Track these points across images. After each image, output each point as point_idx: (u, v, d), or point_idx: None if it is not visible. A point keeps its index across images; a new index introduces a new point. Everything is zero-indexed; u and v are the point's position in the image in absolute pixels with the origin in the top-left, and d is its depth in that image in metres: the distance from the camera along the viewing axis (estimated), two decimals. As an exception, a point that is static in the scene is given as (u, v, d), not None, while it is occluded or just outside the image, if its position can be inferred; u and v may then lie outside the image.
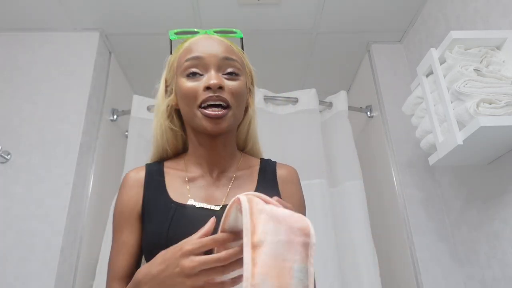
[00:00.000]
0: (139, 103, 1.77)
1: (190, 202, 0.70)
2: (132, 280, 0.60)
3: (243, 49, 0.82)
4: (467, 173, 1.39)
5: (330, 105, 1.78)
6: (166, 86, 0.79)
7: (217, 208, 0.69)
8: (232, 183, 0.74)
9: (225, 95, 0.69)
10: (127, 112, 1.81)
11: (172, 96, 0.76)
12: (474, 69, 1.10)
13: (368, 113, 1.90)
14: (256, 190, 0.73)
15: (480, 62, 1.14)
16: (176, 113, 0.78)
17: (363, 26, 1.81)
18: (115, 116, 1.88)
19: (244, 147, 0.84)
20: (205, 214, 0.66)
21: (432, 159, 1.24)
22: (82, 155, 1.58)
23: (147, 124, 1.75)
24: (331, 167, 1.66)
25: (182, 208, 0.69)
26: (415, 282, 1.46)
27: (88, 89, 1.66)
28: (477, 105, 1.03)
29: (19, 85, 1.65)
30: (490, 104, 1.04)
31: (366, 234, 1.48)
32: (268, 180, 0.77)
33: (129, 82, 2.16)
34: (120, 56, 1.97)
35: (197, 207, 0.69)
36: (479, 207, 1.32)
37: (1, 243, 1.38)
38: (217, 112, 0.68)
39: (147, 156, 1.68)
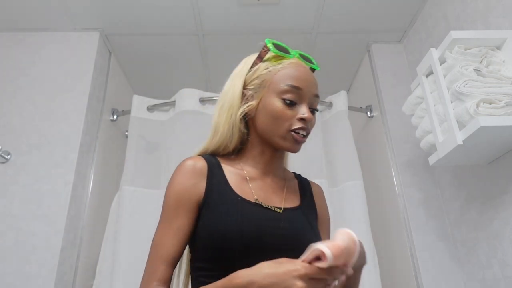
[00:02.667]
0: (139, 103, 1.77)
1: (256, 200, 0.75)
2: (227, 279, 0.60)
3: None
4: (467, 173, 1.39)
5: (330, 105, 1.78)
6: (245, 88, 0.82)
7: (280, 210, 0.76)
8: (285, 190, 0.83)
9: (310, 126, 0.80)
10: (127, 112, 1.81)
11: (254, 104, 0.80)
12: (474, 69, 1.10)
13: (368, 113, 1.90)
14: (301, 201, 0.83)
15: (480, 62, 1.14)
16: (246, 117, 0.83)
17: (363, 26, 1.81)
18: (115, 116, 1.88)
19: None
20: (271, 214, 0.74)
21: (432, 159, 1.24)
22: (82, 155, 1.58)
23: (147, 124, 1.75)
24: (331, 167, 1.66)
25: (249, 204, 0.74)
26: (415, 282, 1.46)
27: (88, 89, 1.67)
28: (477, 105, 1.03)
29: (19, 85, 1.66)
30: (490, 104, 1.04)
31: (366, 234, 1.48)
32: (306, 194, 0.87)
33: (129, 82, 2.16)
34: (120, 56, 1.97)
35: (263, 206, 0.75)
36: (479, 207, 1.32)
37: (1, 243, 1.38)
38: (303, 138, 0.78)
39: (147, 156, 1.69)
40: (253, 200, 0.75)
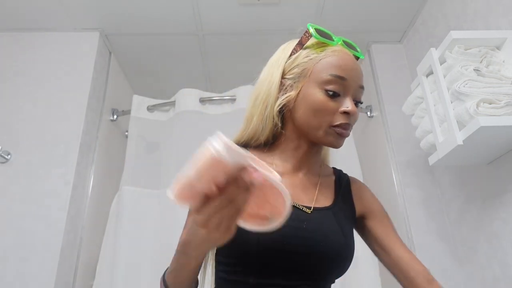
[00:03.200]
0: (139, 103, 1.77)
1: None
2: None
3: None
4: (467, 173, 1.39)
5: (330, 105, 1.78)
6: (283, 77, 0.76)
7: (309, 211, 0.70)
8: (318, 187, 0.76)
9: (353, 121, 0.73)
10: (127, 112, 1.81)
11: (292, 95, 0.73)
12: (474, 69, 1.10)
13: (368, 113, 1.90)
14: (335, 200, 0.76)
15: (480, 62, 1.14)
16: (284, 108, 0.76)
17: (363, 26, 1.81)
18: (115, 116, 1.88)
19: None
20: (297, 214, 0.68)
21: (432, 159, 1.24)
22: (82, 155, 1.58)
23: (147, 124, 1.75)
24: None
25: None
26: (415, 282, 1.46)
27: (88, 89, 1.67)
28: (477, 105, 1.03)
29: (19, 85, 1.65)
30: (490, 104, 1.04)
31: (366, 234, 1.48)
32: (343, 192, 0.80)
33: (129, 82, 2.16)
34: (120, 56, 1.97)
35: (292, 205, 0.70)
36: (479, 207, 1.32)
37: (1, 243, 1.38)
38: (346, 131, 0.72)
39: (147, 156, 1.69)
40: None
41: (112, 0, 1.63)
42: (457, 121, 1.10)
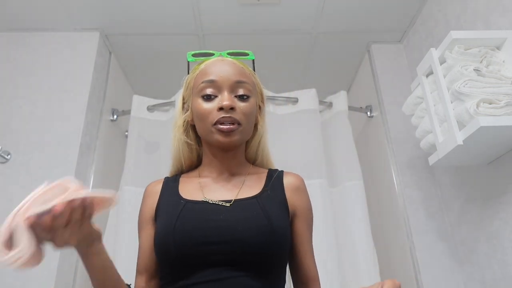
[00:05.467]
0: (139, 103, 1.76)
1: (204, 199, 0.76)
2: None
3: (254, 70, 0.88)
4: (467, 173, 1.39)
5: (330, 105, 1.78)
6: (184, 103, 0.86)
7: (228, 204, 0.74)
8: (243, 184, 0.80)
9: (237, 115, 0.76)
10: (127, 112, 1.81)
11: (189, 112, 0.83)
12: (474, 69, 1.10)
13: (368, 113, 1.90)
14: (263, 190, 0.78)
15: (480, 62, 1.14)
16: (192, 128, 0.85)
17: (363, 26, 1.81)
18: (115, 116, 1.88)
19: (254, 160, 0.90)
20: (216, 208, 0.73)
21: (432, 159, 1.24)
22: (82, 155, 1.58)
23: (147, 124, 1.75)
24: (331, 167, 1.66)
25: (193, 203, 0.75)
26: (415, 282, 1.46)
27: (88, 89, 1.67)
28: (477, 105, 1.03)
29: (19, 85, 1.65)
30: (490, 104, 1.04)
31: (366, 234, 1.48)
32: (274, 184, 0.81)
33: (129, 82, 2.16)
34: (120, 56, 1.97)
35: (210, 203, 0.74)
36: (479, 207, 1.32)
37: (1, 243, 1.38)
38: (229, 126, 0.74)
39: (147, 156, 1.69)
40: (201, 200, 0.75)
41: (112, 0, 1.63)
42: (457, 121, 1.10)
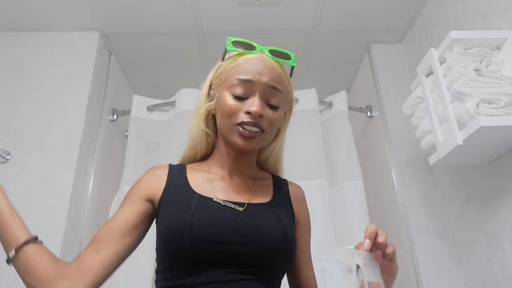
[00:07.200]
0: (139, 103, 1.76)
1: (215, 198, 0.73)
2: None
3: (291, 76, 0.85)
4: (467, 173, 1.39)
5: (330, 105, 1.78)
6: (210, 89, 0.82)
7: (241, 208, 0.72)
8: (254, 189, 0.79)
9: (263, 122, 0.73)
10: (127, 112, 1.81)
11: (213, 102, 0.79)
12: (474, 69, 1.10)
13: (368, 113, 1.90)
14: (272, 198, 0.78)
15: (480, 62, 1.14)
16: (212, 118, 0.82)
17: (363, 26, 1.81)
18: (115, 116, 1.88)
19: (263, 163, 0.88)
20: (230, 212, 0.70)
21: (432, 159, 1.24)
22: (82, 155, 1.58)
23: (147, 124, 1.75)
24: (331, 167, 1.66)
25: (207, 200, 0.72)
26: (415, 282, 1.46)
27: (88, 89, 1.67)
28: (477, 105, 1.03)
29: (19, 85, 1.65)
30: (490, 104, 1.04)
31: (366, 234, 1.48)
32: (282, 194, 0.82)
33: (129, 82, 2.16)
34: (120, 56, 1.97)
35: (223, 204, 0.72)
36: (479, 207, 1.32)
37: (1, 243, 1.38)
38: (251, 131, 0.72)
39: (147, 156, 1.69)
40: (213, 197, 0.73)
41: (112, 0, 1.63)
42: (457, 121, 1.10)
